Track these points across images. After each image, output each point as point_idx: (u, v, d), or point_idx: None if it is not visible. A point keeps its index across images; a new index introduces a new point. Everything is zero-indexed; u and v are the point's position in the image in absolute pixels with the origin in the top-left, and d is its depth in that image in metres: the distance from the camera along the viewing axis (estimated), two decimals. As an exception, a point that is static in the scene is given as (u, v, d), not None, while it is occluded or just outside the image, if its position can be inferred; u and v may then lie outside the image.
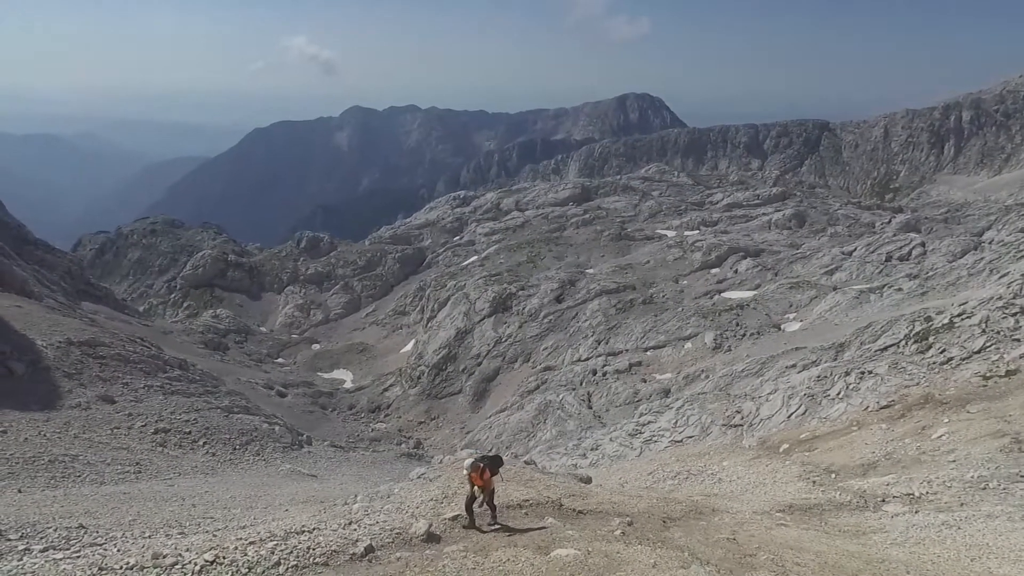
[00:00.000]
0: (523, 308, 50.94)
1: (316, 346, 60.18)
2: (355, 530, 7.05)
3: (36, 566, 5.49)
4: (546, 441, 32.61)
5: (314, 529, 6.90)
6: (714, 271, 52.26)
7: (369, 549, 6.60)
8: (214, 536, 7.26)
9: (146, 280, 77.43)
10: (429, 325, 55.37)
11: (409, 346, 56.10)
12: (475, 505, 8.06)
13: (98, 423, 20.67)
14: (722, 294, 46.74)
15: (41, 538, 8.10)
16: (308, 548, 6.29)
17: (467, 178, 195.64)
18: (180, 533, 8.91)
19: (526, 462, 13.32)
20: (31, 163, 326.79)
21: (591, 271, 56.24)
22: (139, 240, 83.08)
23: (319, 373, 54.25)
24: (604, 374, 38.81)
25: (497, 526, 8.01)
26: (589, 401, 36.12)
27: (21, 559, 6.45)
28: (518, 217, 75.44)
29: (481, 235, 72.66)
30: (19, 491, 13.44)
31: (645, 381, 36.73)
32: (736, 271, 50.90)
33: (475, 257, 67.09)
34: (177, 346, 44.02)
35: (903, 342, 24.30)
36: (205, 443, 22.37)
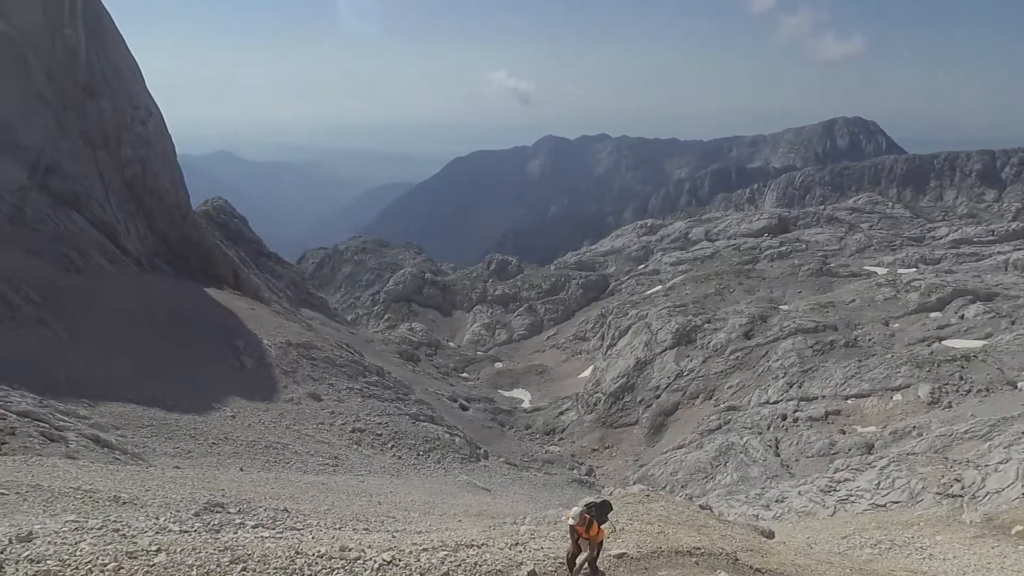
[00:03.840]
0: (708, 342, 48.76)
1: (499, 364, 62.37)
2: (520, 552, 7.11)
3: (247, 541, 6.20)
4: (725, 486, 30.71)
5: (483, 545, 7.07)
6: (934, 315, 46.18)
7: (532, 575, 6.62)
8: (393, 536, 7.72)
9: (355, 292, 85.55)
10: (608, 352, 55.01)
11: (587, 372, 56.12)
12: (579, 560, 6.85)
13: (306, 417, 23.02)
14: (943, 342, 41.12)
15: (253, 515, 9.17)
16: (475, 563, 6.45)
17: (655, 206, 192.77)
18: (365, 528, 9.60)
19: (701, 506, 12.60)
20: (268, 187, 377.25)
21: (786, 307, 52.43)
22: (352, 256, 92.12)
23: (500, 390, 56.08)
24: (795, 420, 35.80)
25: None
26: (776, 448, 33.48)
27: (236, 532, 7.34)
28: (707, 247, 72.72)
29: (667, 264, 71.02)
30: (240, 469, 15.34)
31: (844, 432, 33.28)
32: (962, 317, 44.56)
33: (659, 287, 65.68)
34: (376, 354, 47.94)
35: None
36: (393, 446, 23.96)
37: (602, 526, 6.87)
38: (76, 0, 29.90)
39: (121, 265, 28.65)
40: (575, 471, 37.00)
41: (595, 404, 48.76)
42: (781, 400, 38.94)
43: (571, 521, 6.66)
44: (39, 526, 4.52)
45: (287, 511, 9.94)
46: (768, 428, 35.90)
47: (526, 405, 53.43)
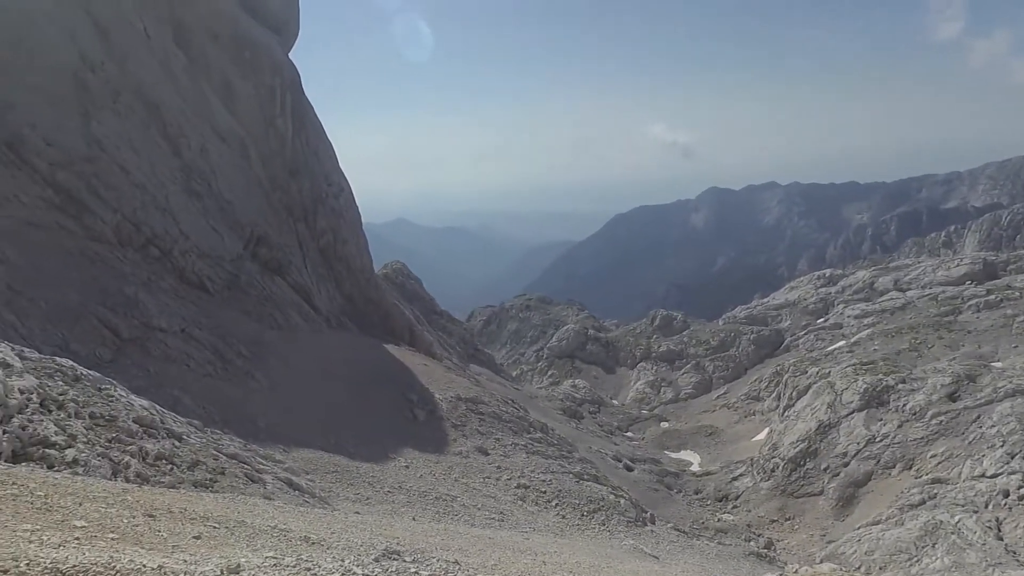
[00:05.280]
0: (903, 404, 43.61)
1: (664, 424, 60.17)
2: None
3: (419, 588, 6.43)
4: (934, 571, 26.77)
5: (651, 612, 6.74)
6: None
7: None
8: (558, 596, 7.60)
9: (519, 349, 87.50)
10: (786, 414, 50.99)
11: (762, 434, 52.31)
12: None
13: (473, 471, 23.60)
14: None
15: (427, 565, 9.49)
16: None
17: (834, 255, 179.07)
18: (530, 586, 9.55)
19: (904, 591, 11.11)
20: (441, 249, 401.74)
21: (999, 364, 45.69)
22: (516, 314, 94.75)
23: (666, 451, 53.91)
24: (1021, 498, 30.62)
25: None
26: (998, 530, 28.74)
27: (409, 580, 7.63)
28: (897, 298, 65.87)
29: (850, 318, 65.17)
30: (413, 518, 15.99)
31: (1088, 516, 27.90)
32: None
33: (842, 342, 60.28)
34: (540, 410, 48.35)
35: None
36: (557, 504, 23.76)
37: None
38: (286, 97, 34.64)
39: (313, 323, 31.80)
40: (752, 543, 34.26)
41: (773, 470, 45.12)
42: (1001, 473, 33.55)
43: None
44: (244, 559, 5.02)
45: (458, 563, 10.17)
46: (986, 506, 31.00)
47: (695, 468, 50.74)
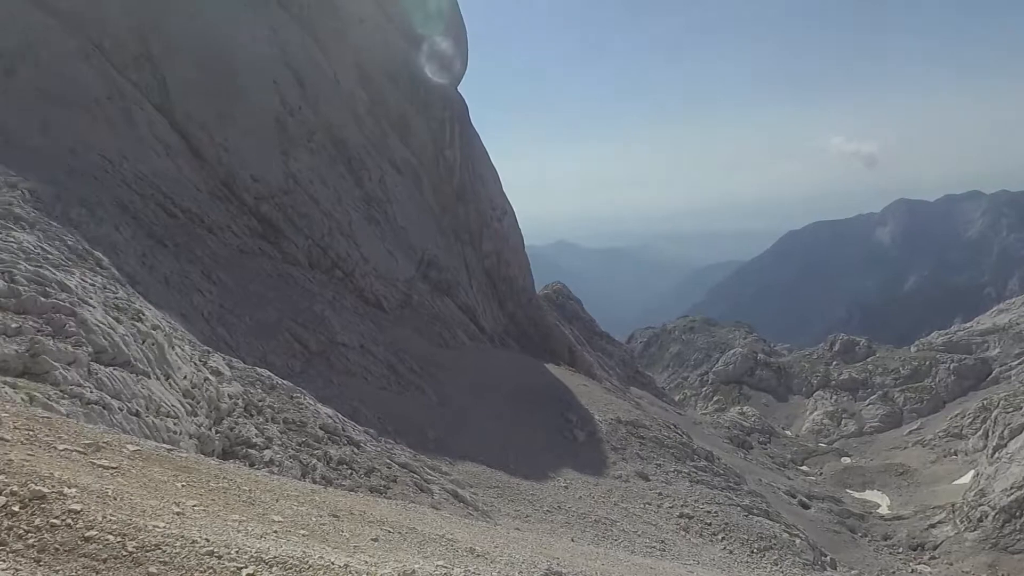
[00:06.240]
0: None
1: (846, 459, 55.05)
2: None
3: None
4: None
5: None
6: None
7: None
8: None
9: (682, 372, 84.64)
10: (996, 456, 44.51)
11: (966, 477, 46.06)
12: None
13: (633, 496, 23.09)
14: None
15: (586, 589, 9.41)
16: None
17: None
18: (695, 622, 9.12)
19: None
20: (601, 271, 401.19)
21: None
22: (679, 336, 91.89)
23: (848, 490, 49.24)
24: None
25: None
26: None
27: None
28: None
29: (1081, 347, 55.81)
30: (572, 540, 15.96)
31: None
32: None
33: (1070, 375, 51.71)
34: (704, 437, 46.32)
35: None
36: (723, 538, 22.58)
37: None
38: (455, 128, 36.82)
39: (478, 341, 33.09)
40: (955, 601, 30.20)
41: (980, 519, 39.50)
42: None
43: None
44: (417, 566, 5.30)
45: (617, 589, 9.99)
46: None
47: (883, 511, 45.77)
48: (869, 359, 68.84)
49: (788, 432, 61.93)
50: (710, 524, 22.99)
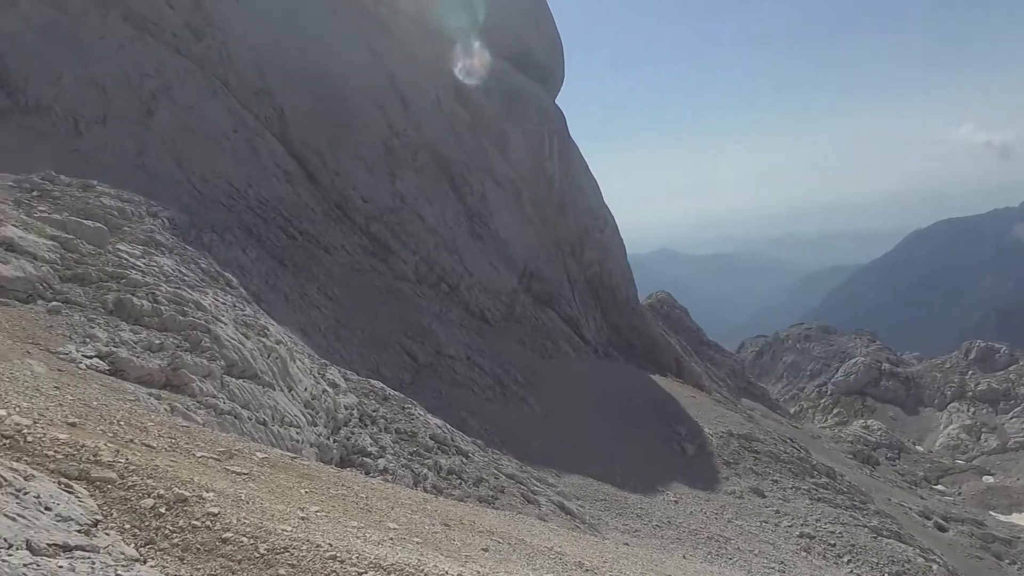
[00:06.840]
0: None
1: (988, 478, 50.18)
2: None
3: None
4: None
5: None
6: None
7: None
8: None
9: (798, 383, 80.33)
10: None
11: None
12: None
13: (748, 513, 22.11)
14: None
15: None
16: None
17: None
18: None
19: None
20: (708, 278, 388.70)
21: None
22: (794, 344, 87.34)
23: (991, 512, 44.84)
24: None
25: None
26: None
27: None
28: None
29: None
30: (684, 557, 15.47)
31: None
32: None
33: None
34: (824, 452, 43.68)
35: None
36: (850, 561, 21.23)
37: None
38: (554, 141, 37.04)
39: (582, 352, 32.89)
40: None
41: None
42: None
43: None
44: (526, 577, 5.33)
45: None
46: None
47: (1038, 536, 41.26)
48: (1012, 368, 62.67)
49: (919, 447, 57.31)
50: (834, 545, 21.61)
